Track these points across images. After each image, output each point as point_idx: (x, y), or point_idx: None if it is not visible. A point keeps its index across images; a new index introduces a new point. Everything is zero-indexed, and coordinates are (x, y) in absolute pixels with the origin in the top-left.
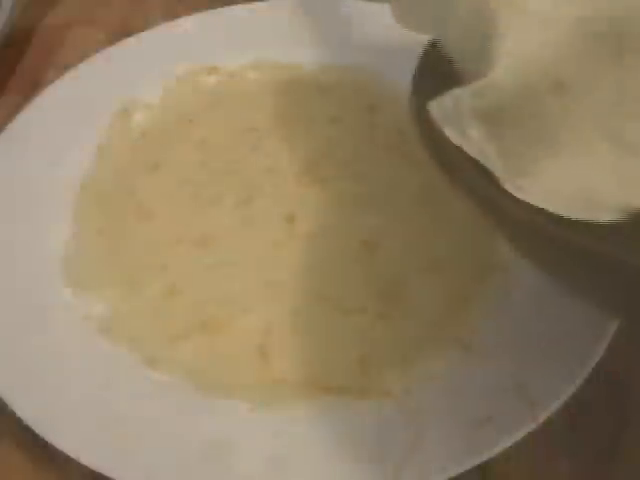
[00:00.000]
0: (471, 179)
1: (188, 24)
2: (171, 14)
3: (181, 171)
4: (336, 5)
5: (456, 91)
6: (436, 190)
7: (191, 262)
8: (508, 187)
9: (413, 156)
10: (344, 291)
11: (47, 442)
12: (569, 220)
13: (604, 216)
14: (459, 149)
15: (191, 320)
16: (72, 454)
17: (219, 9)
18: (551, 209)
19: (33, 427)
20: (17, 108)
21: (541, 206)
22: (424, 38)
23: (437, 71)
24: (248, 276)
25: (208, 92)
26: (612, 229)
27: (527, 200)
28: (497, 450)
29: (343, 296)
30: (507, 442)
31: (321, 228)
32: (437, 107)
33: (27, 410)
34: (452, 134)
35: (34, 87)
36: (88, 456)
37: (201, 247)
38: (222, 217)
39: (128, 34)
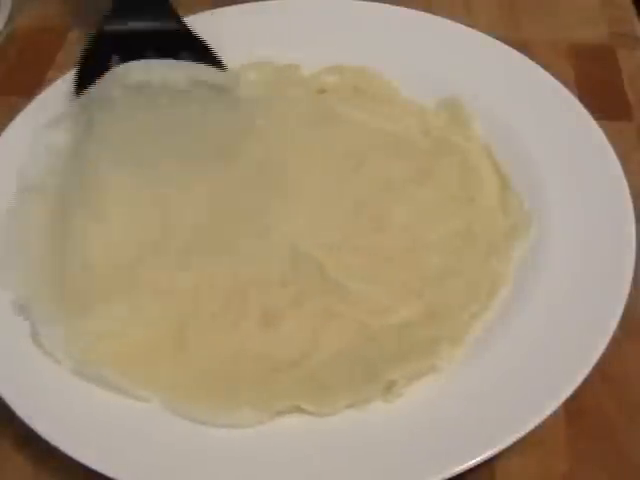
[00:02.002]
0: None
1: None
2: None
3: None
4: (336, 5)
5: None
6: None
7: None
8: None
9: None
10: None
11: (47, 442)
12: None
13: None
14: None
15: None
16: (72, 454)
17: (219, 9)
18: None
19: (33, 427)
20: (17, 108)
21: None
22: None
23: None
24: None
25: None
26: None
27: None
28: (500, 448)
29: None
30: (510, 440)
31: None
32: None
33: (27, 410)
34: None
35: (34, 87)
36: (88, 456)
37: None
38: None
39: None
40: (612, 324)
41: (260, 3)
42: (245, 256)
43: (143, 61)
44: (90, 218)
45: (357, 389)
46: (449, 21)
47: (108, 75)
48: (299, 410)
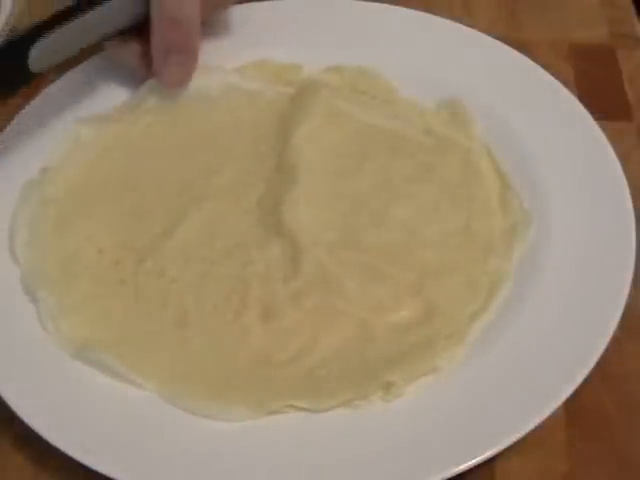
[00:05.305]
0: None
1: None
2: None
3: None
4: (336, 6)
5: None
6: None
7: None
8: None
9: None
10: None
11: (47, 442)
12: None
13: None
14: None
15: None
16: (72, 454)
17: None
18: None
19: (33, 427)
20: (17, 108)
21: None
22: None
23: None
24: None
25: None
26: None
27: None
28: (500, 448)
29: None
30: (510, 440)
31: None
32: None
33: (27, 410)
34: None
35: (34, 87)
36: (88, 456)
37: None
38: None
39: None
40: (612, 324)
41: (260, 3)
42: (252, 250)
43: None
44: (106, 202)
45: (354, 388)
46: (449, 21)
47: (145, 85)
48: (293, 408)
